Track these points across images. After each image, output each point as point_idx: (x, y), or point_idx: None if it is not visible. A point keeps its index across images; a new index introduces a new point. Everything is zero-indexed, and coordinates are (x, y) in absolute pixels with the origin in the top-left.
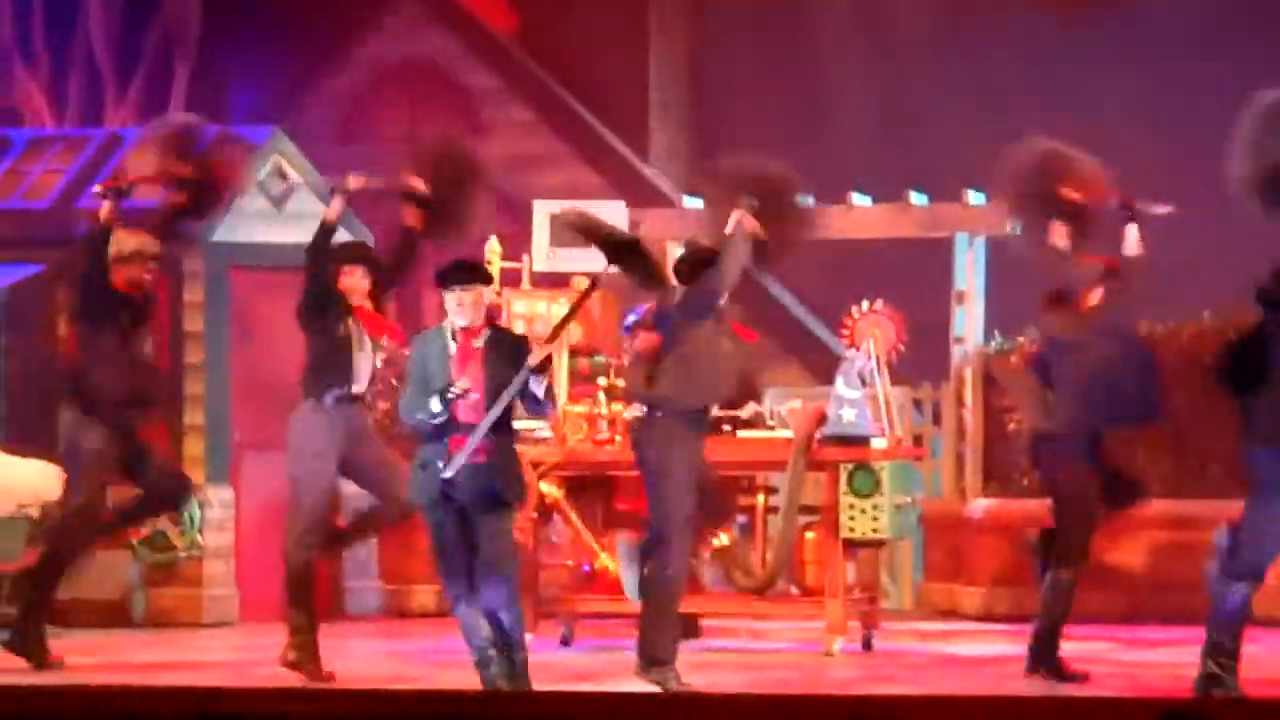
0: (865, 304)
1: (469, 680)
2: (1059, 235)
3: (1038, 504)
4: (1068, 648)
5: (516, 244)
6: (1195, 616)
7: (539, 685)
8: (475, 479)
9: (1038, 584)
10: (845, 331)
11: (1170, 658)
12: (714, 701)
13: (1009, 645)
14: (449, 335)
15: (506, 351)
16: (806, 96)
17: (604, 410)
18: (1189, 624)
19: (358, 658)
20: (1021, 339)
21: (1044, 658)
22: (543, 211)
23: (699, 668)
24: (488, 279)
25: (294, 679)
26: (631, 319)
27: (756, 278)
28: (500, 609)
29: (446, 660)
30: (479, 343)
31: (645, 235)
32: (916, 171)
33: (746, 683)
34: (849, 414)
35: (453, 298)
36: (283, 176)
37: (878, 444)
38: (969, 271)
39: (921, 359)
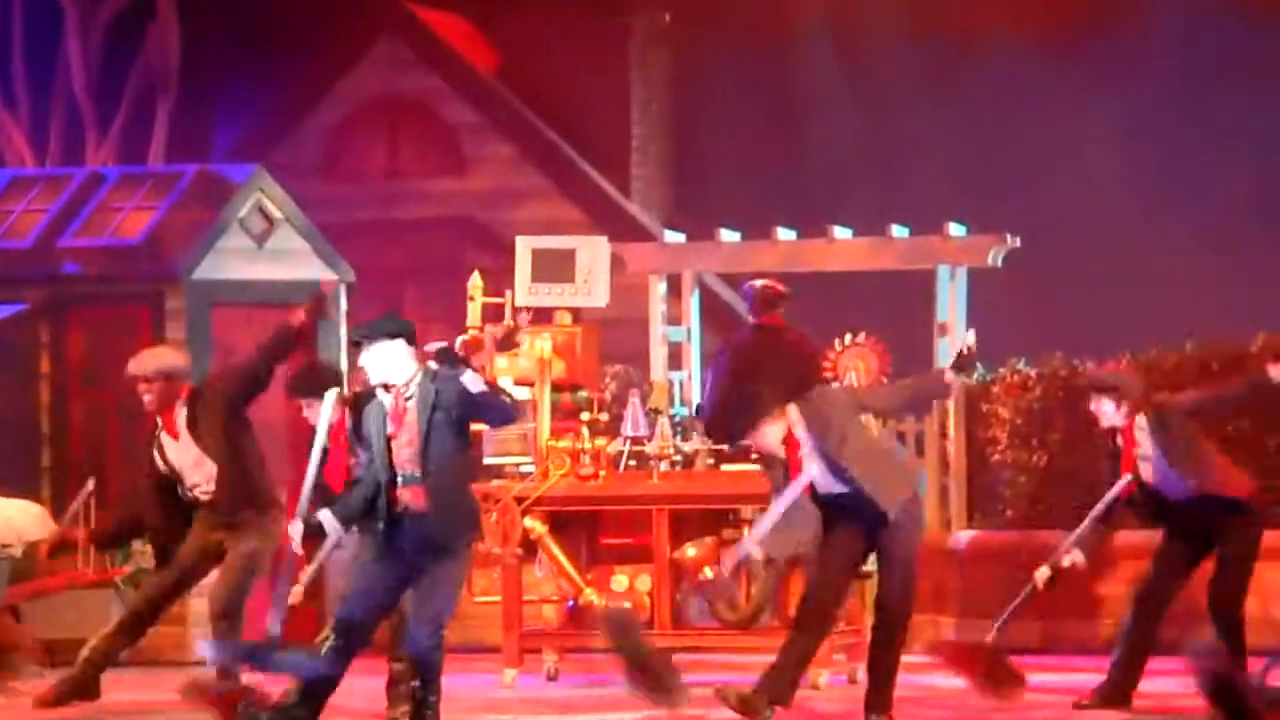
0: (848, 337)
1: (457, 715)
2: None
3: (1020, 535)
4: (1052, 679)
5: (499, 279)
6: (1178, 645)
7: None
8: (420, 529)
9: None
10: (828, 364)
11: (1159, 688)
12: None
13: None
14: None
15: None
16: (787, 130)
17: (587, 445)
18: (1175, 654)
19: (347, 695)
20: (1003, 370)
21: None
22: (525, 246)
23: None
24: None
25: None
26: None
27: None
28: (434, 649)
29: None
30: (408, 393)
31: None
32: (898, 204)
33: (731, 718)
34: None
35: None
36: (264, 214)
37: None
38: (951, 303)
39: None
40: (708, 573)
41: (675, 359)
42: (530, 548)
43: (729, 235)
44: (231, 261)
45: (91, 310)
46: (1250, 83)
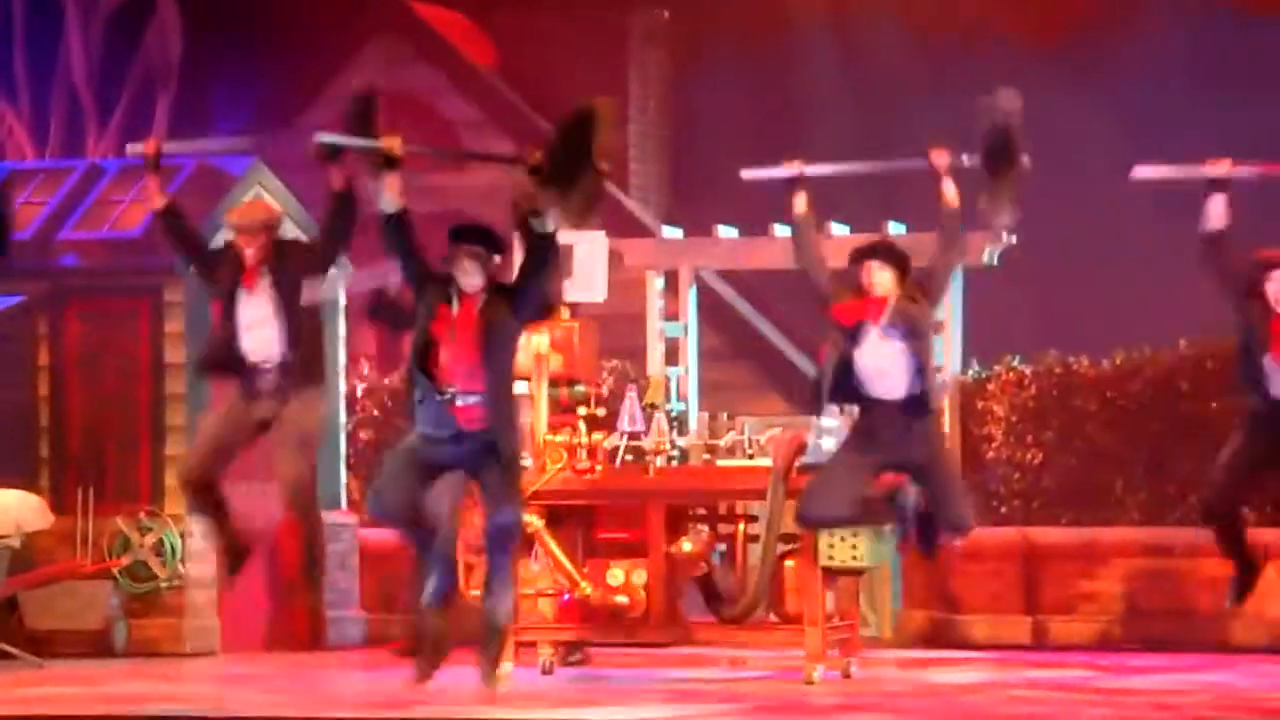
0: None
1: (452, 712)
2: None
3: (1015, 532)
4: (1043, 675)
5: (499, 271)
6: (1172, 643)
7: (521, 714)
8: (474, 444)
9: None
10: (819, 358)
11: (1149, 684)
12: None
13: (989, 673)
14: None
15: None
16: (785, 127)
17: (583, 440)
18: (1166, 651)
19: (341, 689)
20: (999, 367)
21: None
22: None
23: (677, 697)
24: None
25: (277, 708)
26: None
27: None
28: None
29: (431, 692)
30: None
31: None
32: (894, 201)
33: (726, 712)
34: (829, 442)
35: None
36: None
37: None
38: (946, 300)
39: None
40: (703, 567)
41: (672, 354)
42: (526, 542)
43: (727, 232)
44: None
45: (91, 303)
46: (1248, 80)
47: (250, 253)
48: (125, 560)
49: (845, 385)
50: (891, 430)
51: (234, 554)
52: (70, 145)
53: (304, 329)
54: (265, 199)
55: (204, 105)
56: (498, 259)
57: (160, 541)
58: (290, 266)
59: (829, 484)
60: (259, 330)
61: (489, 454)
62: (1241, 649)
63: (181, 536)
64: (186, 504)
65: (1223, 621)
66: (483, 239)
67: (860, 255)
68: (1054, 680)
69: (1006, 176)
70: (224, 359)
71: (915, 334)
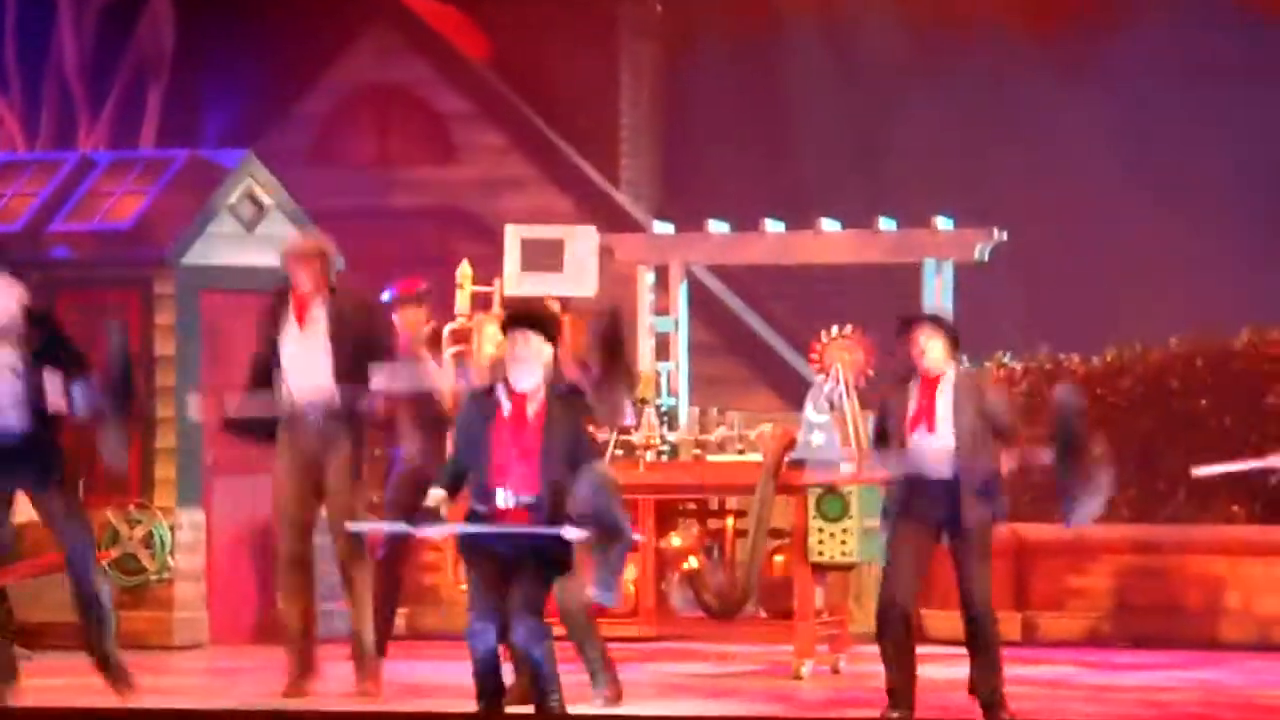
0: (834, 329)
1: (442, 705)
2: None
3: (1005, 527)
4: (1031, 670)
5: (488, 267)
6: (1161, 640)
7: (510, 709)
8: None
9: None
10: (814, 356)
11: (1138, 681)
12: None
13: None
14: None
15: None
16: (776, 122)
17: None
18: (1155, 648)
19: (329, 681)
20: (989, 363)
21: None
22: (514, 235)
23: (667, 691)
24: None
25: (265, 701)
26: None
27: (726, 302)
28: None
29: (418, 684)
30: (533, 406)
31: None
32: (885, 197)
33: (715, 707)
34: (818, 438)
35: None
36: (254, 200)
37: (846, 468)
38: (937, 296)
39: None
40: (693, 562)
41: (662, 349)
42: None
43: (717, 226)
44: (221, 247)
45: (81, 295)
46: (1241, 77)
47: (303, 279)
48: (114, 553)
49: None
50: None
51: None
52: (61, 137)
53: (353, 372)
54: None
55: (195, 97)
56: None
57: (149, 534)
58: (353, 322)
59: (901, 565)
60: (307, 368)
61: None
62: (1230, 646)
63: (171, 529)
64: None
65: (1212, 618)
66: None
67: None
68: (1043, 676)
69: (1080, 466)
70: (260, 415)
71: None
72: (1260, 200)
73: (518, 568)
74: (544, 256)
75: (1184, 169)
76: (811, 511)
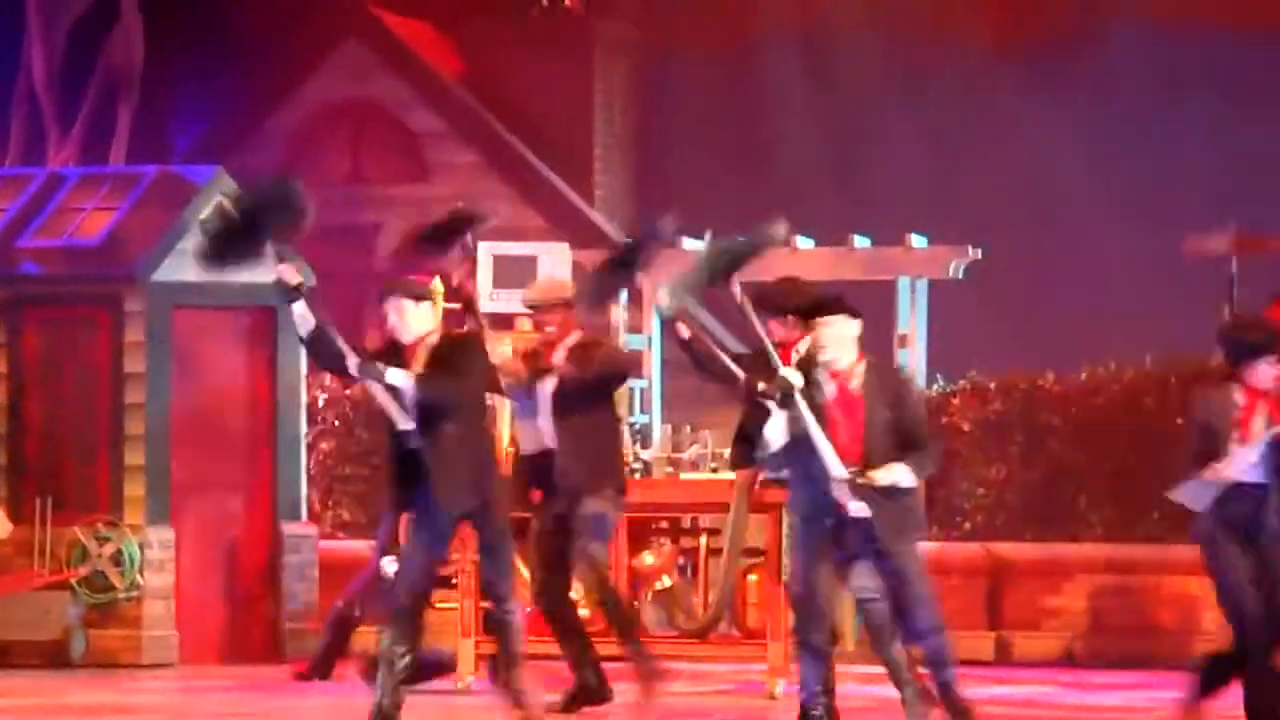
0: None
1: None
2: None
3: (979, 548)
4: (1004, 691)
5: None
6: (1136, 660)
7: None
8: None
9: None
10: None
11: (1113, 701)
12: None
13: None
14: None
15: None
16: (750, 140)
17: None
18: (1130, 668)
19: (299, 702)
20: (963, 381)
21: None
22: (486, 252)
23: (641, 710)
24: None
25: None
26: None
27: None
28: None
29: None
30: (855, 384)
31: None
32: (860, 214)
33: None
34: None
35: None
36: None
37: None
38: (911, 314)
39: None
40: (666, 581)
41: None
42: None
43: (691, 244)
44: (192, 263)
45: (50, 311)
46: (1214, 93)
47: (551, 330)
48: (83, 570)
49: None
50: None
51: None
52: (31, 153)
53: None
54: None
55: (166, 113)
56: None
57: (119, 552)
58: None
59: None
60: (539, 419)
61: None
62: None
63: (140, 547)
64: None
65: (1187, 638)
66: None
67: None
68: (1017, 696)
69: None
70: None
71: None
72: (1235, 217)
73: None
74: (517, 273)
75: (1159, 186)
76: (785, 530)
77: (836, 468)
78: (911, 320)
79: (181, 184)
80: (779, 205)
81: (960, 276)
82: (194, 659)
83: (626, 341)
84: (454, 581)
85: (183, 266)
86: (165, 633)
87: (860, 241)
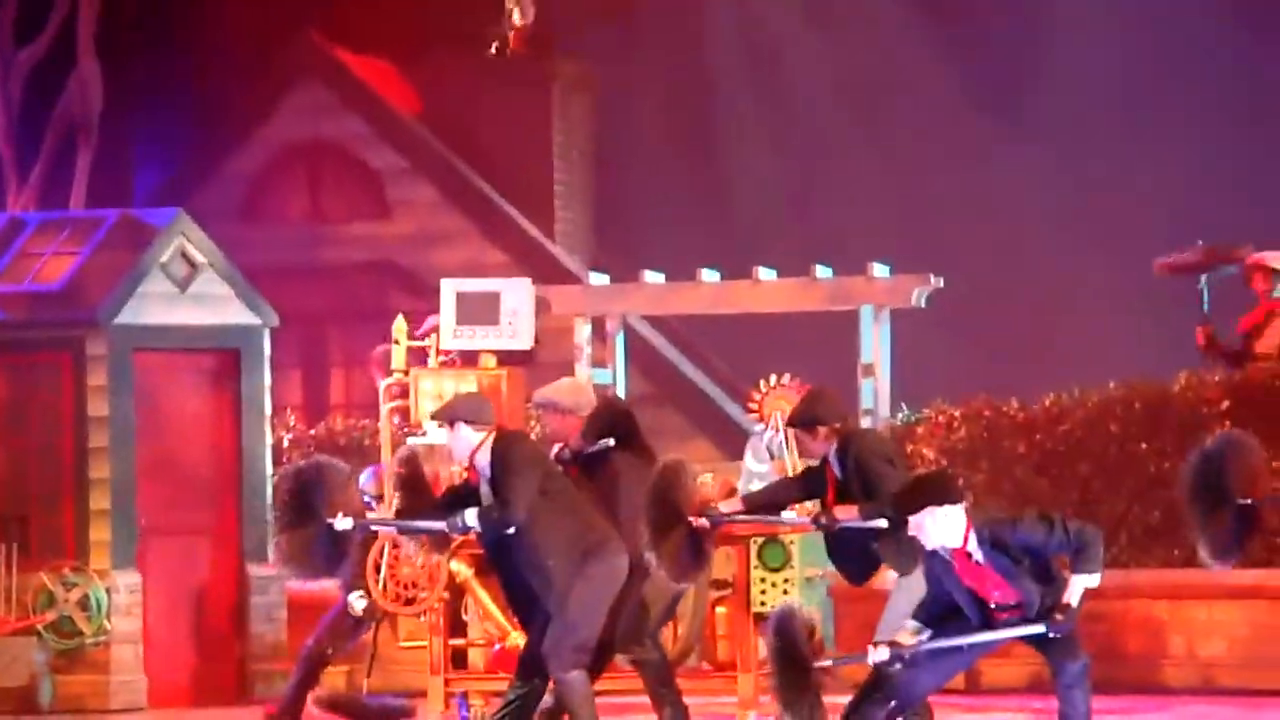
0: (773, 378)
1: None
2: None
3: None
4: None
5: (423, 322)
6: (1105, 686)
7: None
8: None
9: None
10: (753, 405)
11: None
12: None
13: None
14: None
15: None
16: (710, 173)
17: None
18: (1099, 694)
19: None
20: (928, 410)
21: None
22: (449, 289)
23: None
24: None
25: None
26: None
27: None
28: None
29: None
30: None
31: None
32: (821, 244)
33: None
34: (757, 487)
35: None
36: (187, 258)
37: (788, 517)
38: (875, 344)
39: None
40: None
41: None
42: (457, 591)
43: (653, 277)
44: (154, 306)
45: (12, 356)
46: (1170, 122)
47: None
48: (50, 616)
49: None
50: None
51: None
52: None
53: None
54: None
55: (125, 157)
56: None
57: (85, 597)
58: None
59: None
60: None
61: None
62: (1174, 691)
63: (107, 592)
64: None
65: (1155, 663)
66: None
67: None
68: None
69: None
70: None
71: None
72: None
73: None
74: (479, 310)
75: (1118, 212)
76: (753, 561)
77: None
78: (875, 349)
79: (142, 227)
80: (740, 237)
81: (923, 304)
82: (162, 703)
83: (591, 376)
84: (422, 619)
85: (144, 309)
86: (133, 677)
87: (822, 271)
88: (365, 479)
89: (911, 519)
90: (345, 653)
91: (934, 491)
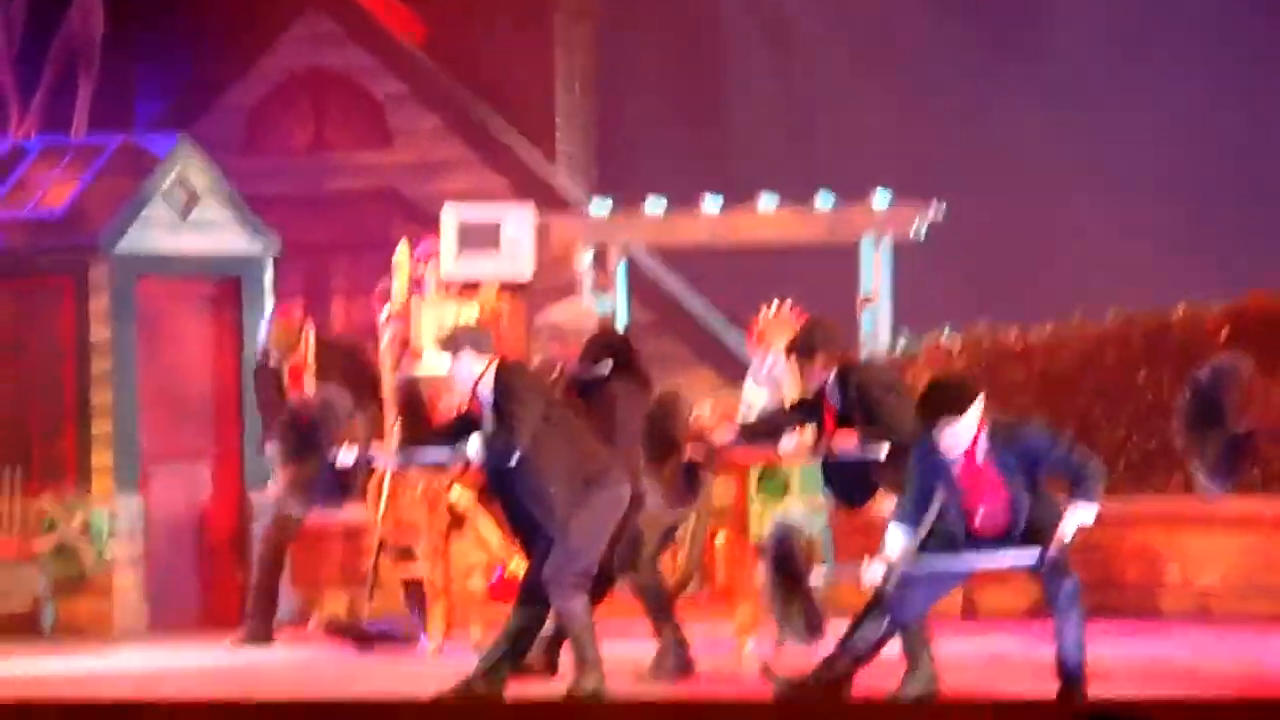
0: (773, 305)
1: (388, 689)
2: None
3: None
4: (968, 647)
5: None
6: (1102, 613)
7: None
8: None
9: None
10: (753, 334)
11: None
12: (630, 707)
13: None
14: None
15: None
16: (712, 100)
17: None
18: (1091, 619)
19: (270, 664)
20: (927, 340)
21: None
22: (451, 214)
23: (610, 674)
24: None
25: (209, 689)
26: None
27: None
28: None
29: (359, 669)
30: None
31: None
32: (823, 171)
33: (659, 687)
34: (757, 415)
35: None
36: (188, 186)
37: (786, 445)
38: (876, 273)
39: None
40: None
41: None
42: (458, 518)
43: (655, 203)
44: (156, 233)
45: (14, 283)
46: (1177, 50)
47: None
48: (52, 541)
49: None
50: None
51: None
52: None
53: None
54: None
55: (128, 85)
56: None
57: (87, 522)
58: None
59: None
60: None
61: None
62: (1170, 617)
63: (109, 517)
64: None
65: (1151, 591)
66: None
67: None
68: (983, 651)
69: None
70: None
71: None
72: (1194, 174)
73: None
74: (480, 238)
75: (1120, 143)
76: (752, 489)
77: None
78: (876, 279)
79: (143, 154)
80: (742, 164)
81: (924, 232)
82: (164, 628)
83: (594, 301)
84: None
85: (146, 236)
86: (135, 602)
87: (824, 199)
88: (262, 329)
89: (935, 430)
90: (293, 539)
91: (956, 400)
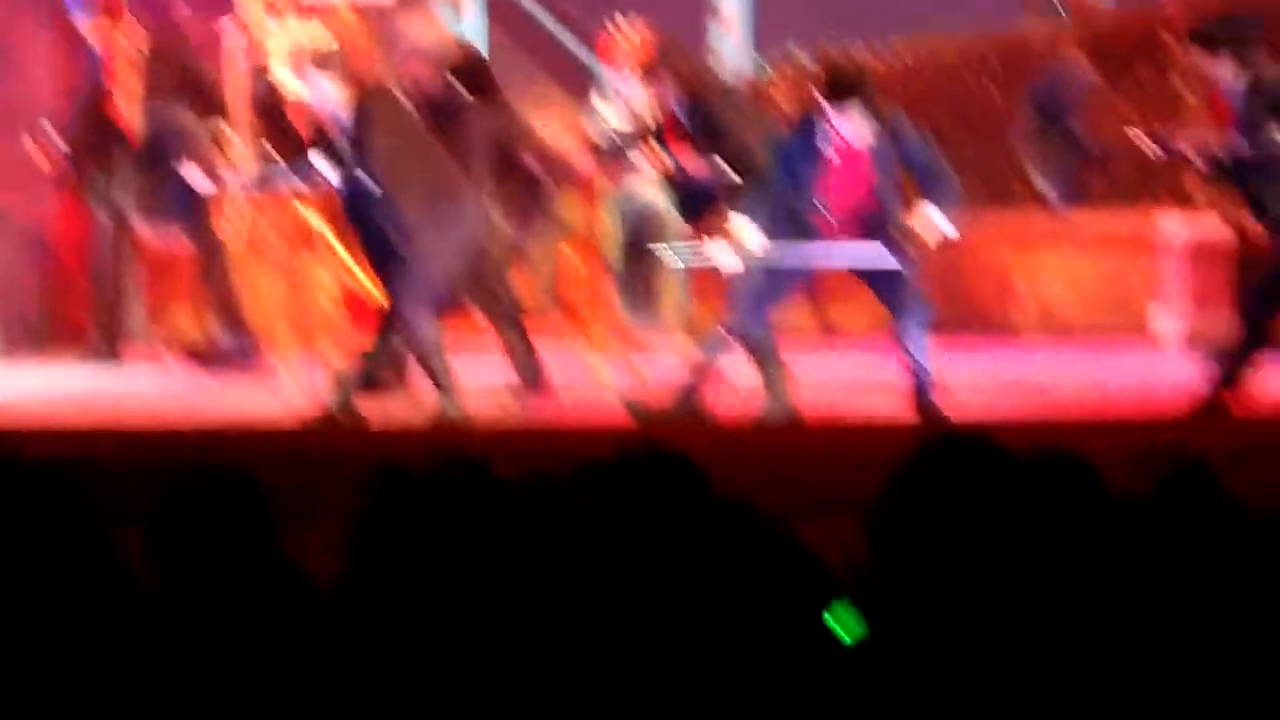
0: (621, 20)
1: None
2: None
3: None
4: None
5: None
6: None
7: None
8: None
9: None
10: (602, 50)
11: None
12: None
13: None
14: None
15: None
16: None
17: None
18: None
19: (127, 390)
20: (783, 62)
21: None
22: None
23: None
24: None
25: (63, 416)
26: None
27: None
28: None
29: (212, 391)
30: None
31: None
32: None
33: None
34: (605, 130)
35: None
36: None
37: (637, 166)
38: None
39: None
40: None
41: None
42: (307, 236)
43: None
44: None
45: None
46: None
47: None
48: None
49: None
50: None
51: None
52: None
53: None
54: None
55: None
56: None
57: None
58: None
59: None
60: None
61: None
62: (1016, 331)
63: None
64: None
65: (1001, 307)
66: None
67: None
68: (844, 370)
69: None
70: None
71: None
72: None
73: None
74: None
75: None
76: (604, 210)
77: None
78: None
79: None
80: None
81: None
82: (11, 348)
83: (448, 19)
84: None
85: None
86: None
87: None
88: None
89: (835, 113)
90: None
91: (860, 84)
